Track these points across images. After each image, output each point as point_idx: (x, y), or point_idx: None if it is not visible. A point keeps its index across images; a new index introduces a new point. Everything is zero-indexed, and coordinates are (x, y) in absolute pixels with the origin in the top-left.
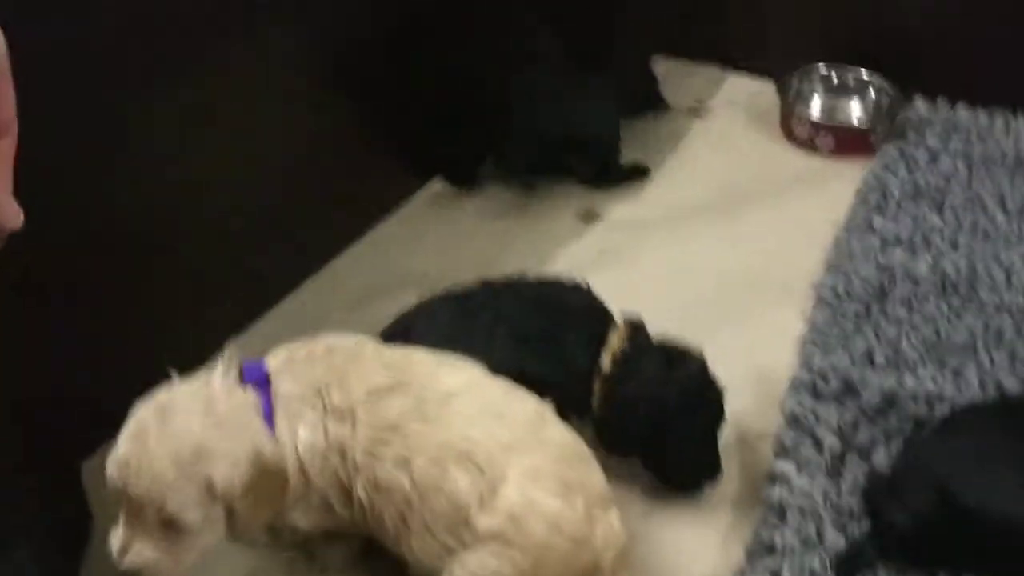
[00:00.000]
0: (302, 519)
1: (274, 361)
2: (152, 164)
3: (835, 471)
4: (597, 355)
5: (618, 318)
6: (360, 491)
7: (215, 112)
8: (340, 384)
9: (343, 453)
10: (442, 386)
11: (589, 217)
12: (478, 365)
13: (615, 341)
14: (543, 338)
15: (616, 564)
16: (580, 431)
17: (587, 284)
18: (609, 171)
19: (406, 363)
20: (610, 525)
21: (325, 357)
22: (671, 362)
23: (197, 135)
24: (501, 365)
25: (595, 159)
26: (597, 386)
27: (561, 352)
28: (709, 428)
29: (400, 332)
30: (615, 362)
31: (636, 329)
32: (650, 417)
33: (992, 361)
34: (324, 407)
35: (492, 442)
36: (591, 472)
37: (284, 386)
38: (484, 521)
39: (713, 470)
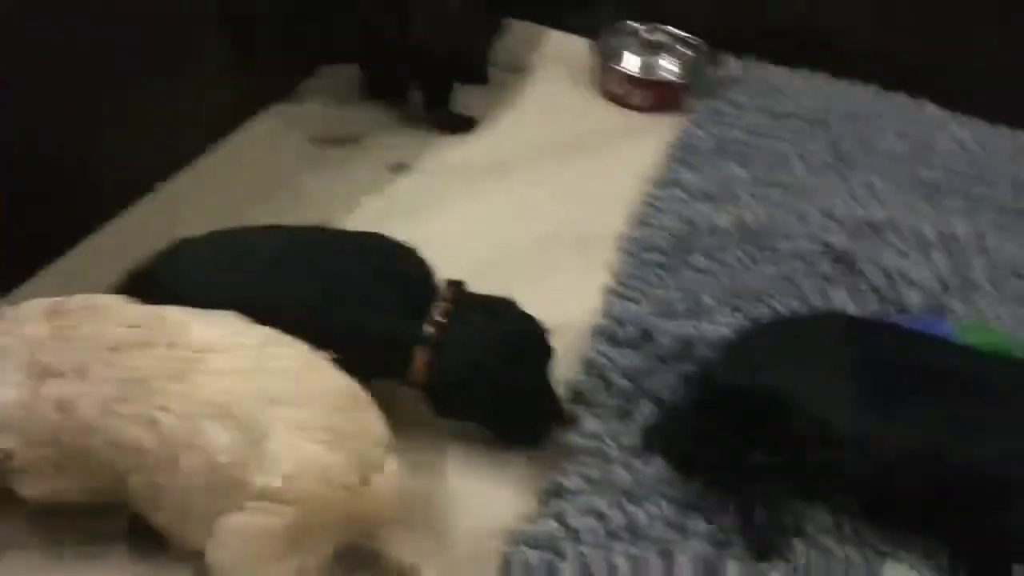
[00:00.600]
0: (30, 487)
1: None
2: None
3: (625, 414)
4: (419, 317)
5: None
6: (98, 453)
7: None
8: (68, 340)
9: (66, 411)
10: (195, 341)
11: (399, 168)
12: (240, 317)
13: (439, 304)
14: (358, 296)
15: (394, 513)
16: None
17: (413, 246)
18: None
19: (155, 318)
20: (387, 474)
21: (55, 313)
22: (494, 320)
23: None
24: (301, 321)
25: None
26: (421, 352)
27: (379, 312)
28: (542, 376)
29: (160, 276)
30: (439, 326)
31: (458, 290)
32: (481, 383)
33: (784, 306)
34: (40, 363)
35: (252, 396)
36: (366, 420)
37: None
38: (248, 478)
39: (556, 416)
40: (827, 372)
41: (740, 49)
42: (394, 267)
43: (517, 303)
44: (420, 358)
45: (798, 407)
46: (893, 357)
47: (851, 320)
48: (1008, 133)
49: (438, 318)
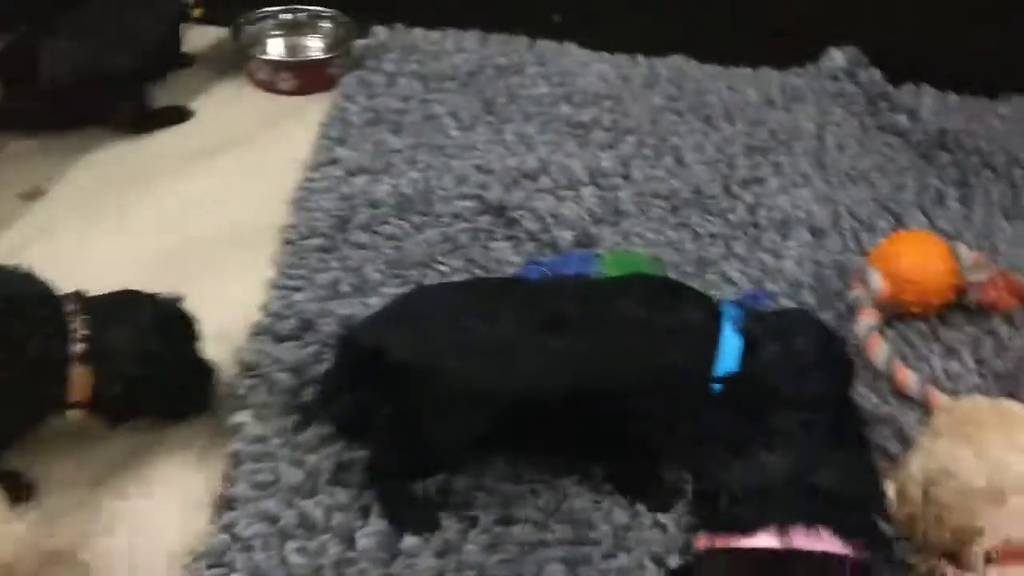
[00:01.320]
0: None
1: None
2: None
3: (292, 409)
4: (61, 340)
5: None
6: None
7: None
8: None
9: None
10: None
11: (35, 195)
12: None
13: (73, 319)
14: None
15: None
16: None
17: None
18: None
19: None
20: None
21: None
22: (133, 312)
23: None
24: None
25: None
26: (78, 370)
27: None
28: (194, 347)
29: None
30: (86, 339)
31: (82, 298)
32: (150, 371)
33: (449, 267)
34: None
35: None
36: None
37: None
38: None
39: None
40: (451, 332)
41: (386, 15)
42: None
43: (143, 291)
44: (79, 375)
45: (422, 363)
46: (523, 307)
47: (482, 281)
48: (644, 62)
49: (82, 332)
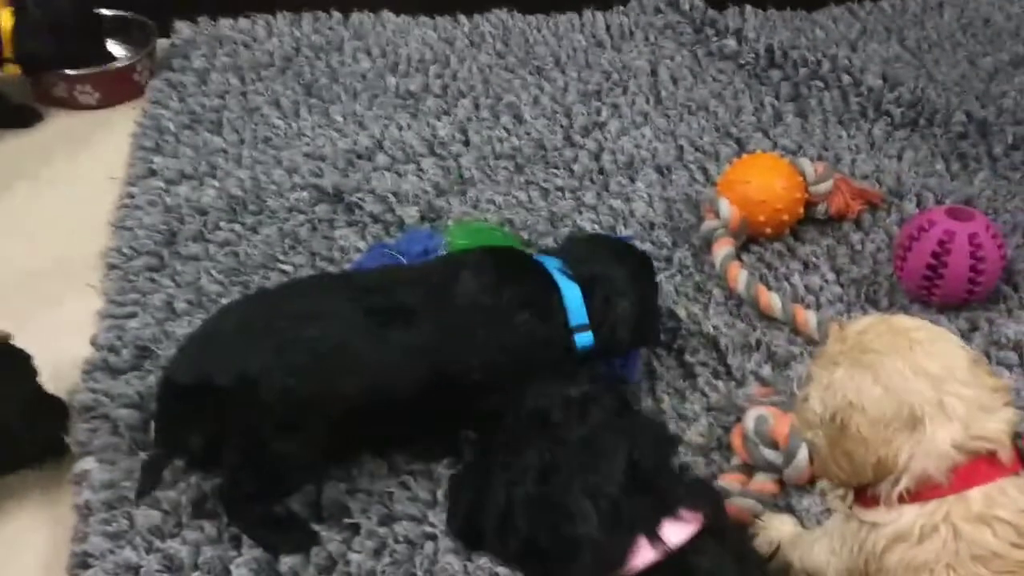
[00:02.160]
0: None
1: None
2: None
3: (139, 446)
4: None
5: None
6: None
7: None
8: None
9: None
10: None
11: None
12: None
13: None
14: None
15: None
16: None
17: None
18: None
19: None
20: None
21: None
22: None
23: None
24: None
25: None
26: None
27: None
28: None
29: None
30: None
31: None
32: None
33: (292, 264)
34: None
35: None
36: None
37: None
38: None
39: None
40: (274, 345)
41: (186, 10)
42: None
43: None
44: None
45: (251, 384)
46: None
47: (300, 283)
48: (467, 21)
49: None
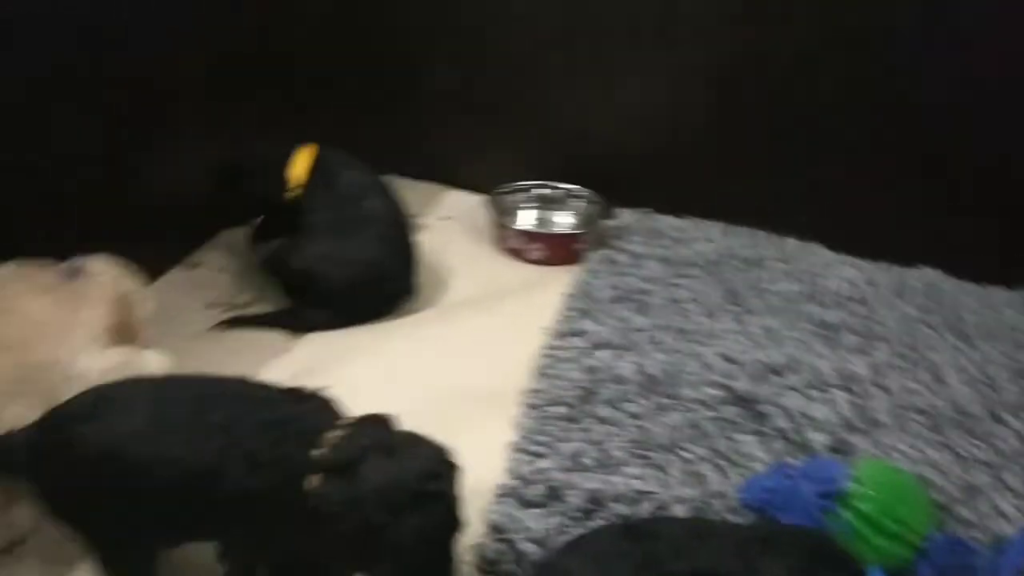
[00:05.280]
0: None
1: None
2: None
3: None
4: None
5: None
6: None
7: None
8: None
9: None
10: None
11: None
12: None
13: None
14: None
15: None
16: None
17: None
18: None
19: None
20: None
21: None
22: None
23: None
24: None
25: None
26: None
27: None
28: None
29: None
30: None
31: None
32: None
33: (692, 454)
34: None
35: None
36: None
37: None
38: None
39: None
40: None
41: (631, 201)
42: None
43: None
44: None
45: None
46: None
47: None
48: (893, 270)
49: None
